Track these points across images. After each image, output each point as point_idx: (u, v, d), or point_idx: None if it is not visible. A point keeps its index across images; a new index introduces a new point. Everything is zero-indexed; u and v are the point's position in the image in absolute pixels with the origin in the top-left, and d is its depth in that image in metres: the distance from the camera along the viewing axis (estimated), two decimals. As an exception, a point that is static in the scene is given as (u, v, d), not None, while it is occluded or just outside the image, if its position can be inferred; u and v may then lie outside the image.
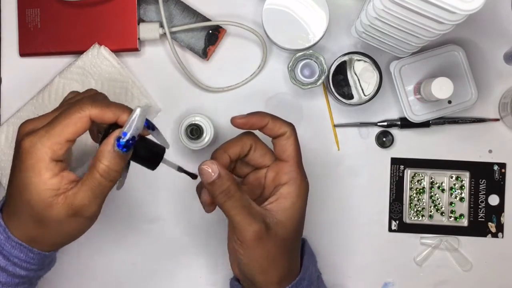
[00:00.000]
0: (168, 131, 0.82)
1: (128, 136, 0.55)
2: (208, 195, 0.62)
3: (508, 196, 0.81)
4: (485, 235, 0.81)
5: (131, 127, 0.55)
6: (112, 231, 0.82)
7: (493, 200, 0.81)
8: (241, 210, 0.59)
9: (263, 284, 0.62)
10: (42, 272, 0.63)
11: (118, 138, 0.55)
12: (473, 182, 0.81)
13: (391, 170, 0.81)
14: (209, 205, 0.64)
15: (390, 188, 0.81)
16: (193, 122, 0.77)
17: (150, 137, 0.60)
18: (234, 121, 0.64)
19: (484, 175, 0.81)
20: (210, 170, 0.59)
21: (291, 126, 0.64)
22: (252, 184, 0.66)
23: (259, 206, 0.61)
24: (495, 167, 0.81)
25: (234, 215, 0.59)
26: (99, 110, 0.56)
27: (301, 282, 0.64)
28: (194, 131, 0.77)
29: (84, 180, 0.56)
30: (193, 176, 0.62)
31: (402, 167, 0.81)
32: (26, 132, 0.57)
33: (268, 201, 0.62)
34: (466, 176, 0.81)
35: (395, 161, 0.81)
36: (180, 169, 0.62)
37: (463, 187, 0.81)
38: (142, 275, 0.82)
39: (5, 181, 0.79)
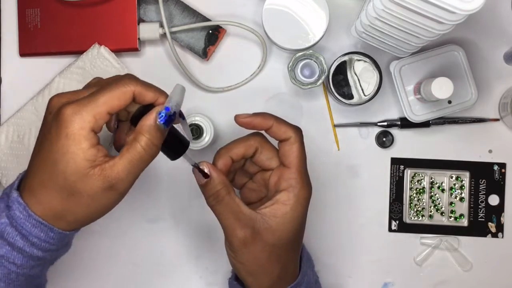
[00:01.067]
0: (168, 131, 0.82)
1: (170, 111, 0.56)
2: None
3: (508, 196, 0.81)
4: (485, 235, 0.81)
5: (174, 102, 0.57)
6: (112, 231, 0.82)
7: (493, 200, 0.81)
8: (229, 215, 0.60)
9: (253, 286, 0.62)
10: (56, 254, 0.61)
11: (160, 113, 0.56)
12: (473, 182, 0.81)
13: (391, 170, 0.81)
14: None
15: (390, 188, 0.81)
16: (193, 122, 0.77)
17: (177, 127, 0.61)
18: (237, 119, 0.64)
19: (484, 175, 0.81)
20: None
21: (297, 131, 0.63)
22: (259, 183, 0.66)
23: (253, 210, 0.61)
24: (495, 167, 0.81)
25: (222, 219, 0.60)
26: (143, 88, 0.57)
27: (297, 287, 0.64)
28: (194, 131, 0.77)
29: (124, 153, 0.56)
30: (205, 175, 0.62)
31: (402, 167, 0.81)
32: (64, 103, 0.56)
33: (264, 205, 0.62)
34: (466, 176, 0.81)
35: (395, 161, 0.81)
36: (196, 166, 0.61)
37: (463, 187, 0.81)
38: (142, 275, 0.82)
39: (5, 181, 0.79)
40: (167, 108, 0.56)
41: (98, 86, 0.58)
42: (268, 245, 0.60)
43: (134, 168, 0.56)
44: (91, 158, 0.55)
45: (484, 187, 0.81)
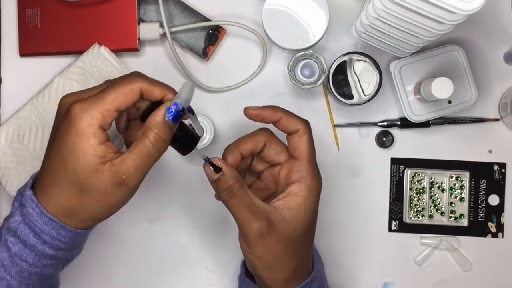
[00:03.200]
0: (168, 131, 0.82)
1: (179, 107, 0.57)
2: None
3: (508, 196, 0.81)
4: (485, 235, 0.81)
5: (182, 99, 0.57)
6: (112, 231, 0.82)
7: (493, 200, 0.81)
8: (244, 208, 0.59)
9: (269, 281, 0.62)
10: (69, 255, 0.62)
11: (168, 109, 0.57)
12: (473, 182, 0.81)
13: (391, 170, 0.81)
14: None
15: (390, 188, 0.81)
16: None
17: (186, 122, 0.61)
18: (246, 111, 0.64)
19: (484, 175, 0.81)
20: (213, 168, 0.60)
21: (306, 123, 0.64)
22: (268, 180, 0.67)
23: (266, 203, 0.61)
24: (495, 167, 0.81)
25: (237, 212, 0.60)
26: (150, 85, 0.58)
27: (312, 282, 0.64)
28: None
29: (133, 149, 0.57)
30: (217, 170, 0.61)
31: (402, 167, 0.81)
32: (74, 101, 0.56)
33: (277, 198, 0.62)
34: (466, 176, 0.81)
35: (395, 161, 0.81)
36: (207, 160, 0.62)
37: (463, 187, 0.81)
38: (141, 275, 0.82)
39: (5, 181, 0.79)
40: (176, 104, 0.57)
41: (111, 81, 0.59)
42: (283, 237, 0.61)
43: (143, 163, 0.57)
44: (100, 154, 0.55)
45: (484, 187, 0.81)
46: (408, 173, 0.81)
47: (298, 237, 0.62)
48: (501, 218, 0.81)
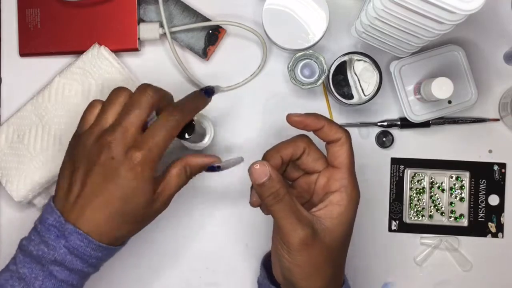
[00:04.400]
0: (168, 131, 0.82)
1: (219, 167, 0.66)
2: (257, 196, 0.62)
3: (508, 196, 0.81)
4: (485, 235, 0.81)
5: (225, 166, 0.66)
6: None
7: (493, 200, 0.81)
8: (289, 214, 0.58)
9: None
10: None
11: (211, 166, 0.66)
12: (473, 182, 0.81)
13: (391, 170, 0.81)
14: (256, 206, 0.65)
15: (390, 188, 0.81)
16: (193, 123, 0.77)
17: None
18: (289, 118, 0.63)
19: (484, 175, 0.81)
20: (260, 172, 0.58)
21: (347, 132, 0.63)
22: (302, 188, 0.66)
23: (308, 212, 0.60)
24: (495, 167, 0.81)
25: (281, 218, 0.58)
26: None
27: None
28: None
29: (174, 178, 0.64)
30: (218, 168, 0.66)
31: (402, 167, 0.81)
32: (130, 146, 0.59)
33: (317, 207, 0.61)
34: (466, 176, 0.81)
35: (395, 161, 0.81)
36: (241, 160, 0.68)
37: (463, 187, 0.81)
38: (141, 275, 0.82)
39: (5, 181, 0.79)
40: (218, 166, 0.66)
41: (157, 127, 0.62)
42: (325, 246, 0.60)
43: (178, 189, 0.65)
44: (155, 189, 0.61)
45: (484, 187, 0.81)
46: (408, 173, 0.81)
47: (338, 247, 0.61)
48: (501, 218, 0.81)
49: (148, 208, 0.61)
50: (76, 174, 0.61)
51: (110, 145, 0.59)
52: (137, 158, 0.58)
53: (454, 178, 0.81)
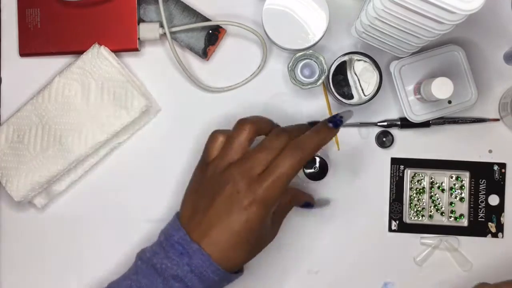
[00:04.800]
0: (168, 130, 0.82)
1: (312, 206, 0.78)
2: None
3: (508, 196, 0.81)
4: (485, 235, 0.81)
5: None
6: (111, 231, 0.82)
7: (493, 200, 0.81)
8: None
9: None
10: None
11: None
12: (473, 182, 0.81)
13: (391, 170, 0.81)
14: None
15: (390, 188, 0.81)
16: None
17: None
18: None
19: (484, 175, 0.81)
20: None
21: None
22: None
23: None
24: (495, 167, 0.81)
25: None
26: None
27: None
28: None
29: (283, 209, 0.72)
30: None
31: (402, 167, 0.81)
32: (255, 181, 0.64)
33: None
34: (466, 176, 0.81)
35: (395, 161, 0.81)
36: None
37: (463, 187, 0.81)
38: (142, 275, 0.82)
39: (5, 181, 0.79)
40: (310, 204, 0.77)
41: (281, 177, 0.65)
42: None
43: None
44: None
45: (484, 187, 0.81)
46: (408, 173, 0.81)
47: None
48: (501, 218, 0.81)
49: (266, 236, 0.68)
50: (201, 201, 0.66)
51: (236, 178, 0.64)
52: (260, 193, 0.63)
53: (454, 178, 0.81)
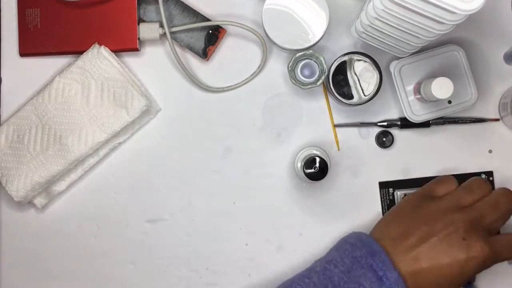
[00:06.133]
0: (168, 130, 0.82)
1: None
2: None
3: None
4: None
5: None
6: (111, 231, 0.82)
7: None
8: None
9: None
10: None
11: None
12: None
13: (380, 194, 0.81)
14: None
15: (383, 212, 0.80)
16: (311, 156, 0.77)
17: None
18: None
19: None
20: None
21: None
22: None
23: None
24: (483, 176, 0.80)
25: None
26: None
27: None
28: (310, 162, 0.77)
29: None
30: None
31: (391, 190, 0.81)
32: (481, 238, 0.66)
33: None
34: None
35: (383, 185, 0.80)
36: None
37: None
38: (141, 275, 0.82)
39: (5, 181, 0.79)
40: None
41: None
42: None
43: None
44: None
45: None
46: (398, 194, 0.80)
47: None
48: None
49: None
50: (418, 229, 0.68)
51: (464, 223, 0.66)
52: (482, 252, 0.65)
53: None
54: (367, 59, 0.75)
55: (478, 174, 0.81)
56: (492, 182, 0.80)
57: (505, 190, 0.72)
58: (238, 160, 0.81)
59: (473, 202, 0.70)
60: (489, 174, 0.80)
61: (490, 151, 0.81)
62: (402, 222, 0.71)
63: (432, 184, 0.75)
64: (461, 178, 0.76)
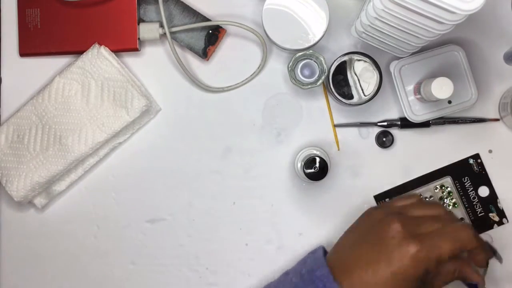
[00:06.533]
0: (168, 130, 0.82)
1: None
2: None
3: (494, 181, 0.80)
4: (491, 227, 0.81)
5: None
6: (111, 231, 0.82)
7: (483, 191, 0.81)
8: None
9: None
10: None
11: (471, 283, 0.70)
12: (457, 184, 0.81)
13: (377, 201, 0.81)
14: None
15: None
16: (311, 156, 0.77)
17: None
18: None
19: (465, 172, 0.81)
20: None
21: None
22: None
23: None
24: (471, 161, 0.81)
25: None
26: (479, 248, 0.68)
27: None
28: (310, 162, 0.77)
29: None
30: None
31: (387, 200, 0.81)
32: (411, 237, 0.64)
33: None
34: (448, 182, 0.81)
35: (379, 197, 0.81)
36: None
37: (451, 193, 0.81)
38: (141, 275, 0.82)
39: (5, 181, 0.79)
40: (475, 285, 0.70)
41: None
42: None
43: None
44: (423, 280, 0.65)
45: (470, 183, 0.81)
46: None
47: None
48: (498, 205, 0.81)
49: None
50: (353, 240, 0.69)
51: (394, 225, 0.65)
52: (411, 250, 0.63)
53: (439, 188, 0.81)
54: (367, 59, 0.75)
55: (466, 160, 0.80)
56: (482, 164, 0.80)
57: (466, 226, 0.69)
58: (238, 160, 0.81)
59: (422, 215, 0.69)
60: (476, 156, 0.81)
61: (490, 151, 0.81)
62: (345, 236, 0.72)
63: (392, 202, 0.74)
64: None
